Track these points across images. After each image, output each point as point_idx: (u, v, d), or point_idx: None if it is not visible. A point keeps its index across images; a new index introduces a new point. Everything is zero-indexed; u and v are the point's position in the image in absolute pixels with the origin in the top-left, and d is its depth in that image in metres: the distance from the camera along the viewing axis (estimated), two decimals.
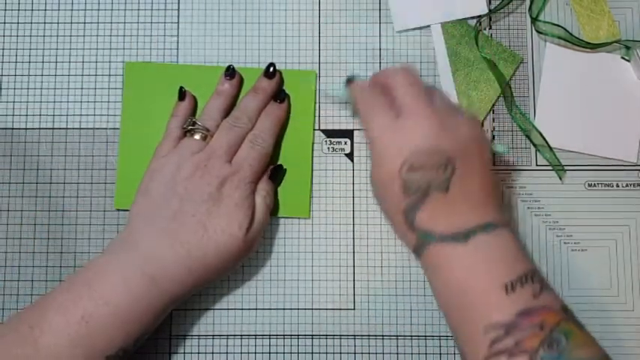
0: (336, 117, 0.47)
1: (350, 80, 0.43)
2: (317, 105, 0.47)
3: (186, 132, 0.43)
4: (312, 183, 0.46)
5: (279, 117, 0.44)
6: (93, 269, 0.38)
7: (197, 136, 0.42)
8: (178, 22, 0.47)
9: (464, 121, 0.39)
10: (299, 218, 0.45)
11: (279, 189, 0.45)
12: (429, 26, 0.47)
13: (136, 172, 0.43)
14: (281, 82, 0.45)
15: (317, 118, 0.47)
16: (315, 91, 0.46)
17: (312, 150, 0.46)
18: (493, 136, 0.47)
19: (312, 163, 0.46)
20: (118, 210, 0.45)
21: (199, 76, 0.46)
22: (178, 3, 0.48)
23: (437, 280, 0.37)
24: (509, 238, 0.37)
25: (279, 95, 0.45)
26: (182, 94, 0.44)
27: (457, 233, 0.36)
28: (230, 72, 0.45)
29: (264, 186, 0.43)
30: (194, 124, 0.42)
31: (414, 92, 0.38)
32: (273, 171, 0.44)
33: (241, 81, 0.45)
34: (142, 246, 0.39)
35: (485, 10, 0.47)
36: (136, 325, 0.38)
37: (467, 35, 0.47)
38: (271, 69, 0.45)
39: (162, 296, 0.38)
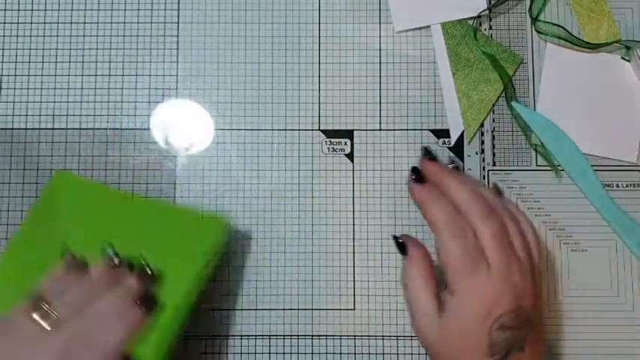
0: (336, 117, 0.47)
1: (429, 157, 0.41)
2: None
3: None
4: (169, 335, 0.38)
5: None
6: None
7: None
8: (178, 22, 0.47)
9: (530, 274, 0.38)
10: (298, 217, 0.45)
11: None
12: (429, 26, 0.47)
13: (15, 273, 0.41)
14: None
15: (317, 118, 0.47)
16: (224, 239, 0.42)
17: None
18: (493, 136, 0.47)
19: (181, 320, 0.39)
20: None
21: (118, 201, 0.43)
22: (178, 3, 0.48)
23: None
24: None
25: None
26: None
27: None
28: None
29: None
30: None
31: (501, 245, 0.37)
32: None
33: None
34: None
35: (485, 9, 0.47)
36: None
37: (467, 35, 0.47)
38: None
39: None
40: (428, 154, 0.41)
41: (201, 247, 0.40)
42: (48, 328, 0.33)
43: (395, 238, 0.40)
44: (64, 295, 0.35)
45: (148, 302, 0.37)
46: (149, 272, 0.38)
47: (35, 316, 0.33)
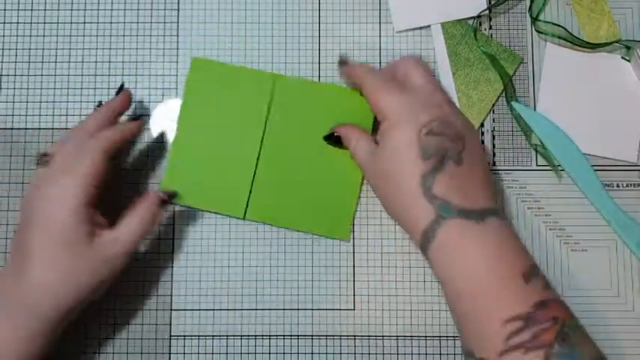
0: None
1: (344, 62, 0.43)
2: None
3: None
4: (356, 207, 0.46)
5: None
6: None
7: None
8: (178, 23, 0.47)
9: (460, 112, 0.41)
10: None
11: (322, 209, 0.45)
12: (429, 26, 0.47)
13: (185, 168, 0.45)
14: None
15: None
16: (373, 116, 0.45)
17: (362, 178, 0.45)
18: (493, 136, 0.47)
19: (360, 189, 0.45)
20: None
21: (255, 81, 0.46)
22: (178, 3, 0.48)
23: (450, 263, 0.36)
24: (513, 229, 0.37)
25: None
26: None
27: (473, 210, 0.36)
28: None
29: (149, 205, 0.40)
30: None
31: (426, 74, 0.40)
32: (166, 198, 0.41)
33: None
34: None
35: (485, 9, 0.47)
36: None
37: (467, 35, 0.47)
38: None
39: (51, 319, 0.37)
40: (342, 62, 0.44)
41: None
42: (43, 166, 0.39)
43: (327, 138, 0.44)
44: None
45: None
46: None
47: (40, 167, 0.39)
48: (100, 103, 0.44)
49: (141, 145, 0.46)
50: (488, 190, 0.38)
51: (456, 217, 0.36)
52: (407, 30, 0.47)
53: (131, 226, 0.39)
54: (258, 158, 0.45)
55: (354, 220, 0.45)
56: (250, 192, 0.45)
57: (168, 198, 0.41)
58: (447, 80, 0.47)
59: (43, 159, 0.39)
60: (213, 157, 0.45)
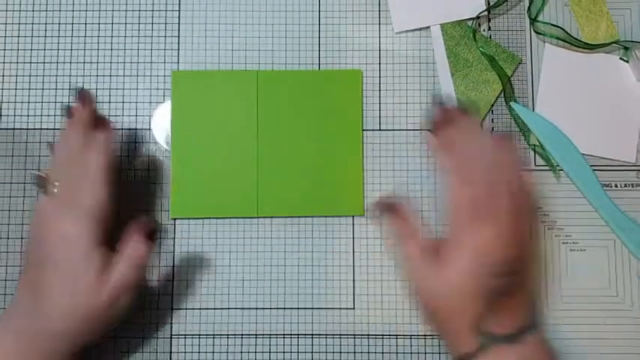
0: None
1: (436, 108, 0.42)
2: (364, 104, 0.47)
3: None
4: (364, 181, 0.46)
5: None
6: None
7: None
8: (179, 24, 0.47)
9: (526, 219, 0.39)
10: (298, 218, 0.46)
11: (331, 189, 0.45)
12: (428, 27, 0.48)
13: (189, 181, 0.45)
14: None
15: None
16: (362, 89, 0.47)
17: (363, 148, 0.46)
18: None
19: (363, 161, 0.46)
20: (174, 219, 0.46)
21: (239, 81, 0.46)
22: (179, 4, 0.48)
23: None
24: (548, 344, 0.39)
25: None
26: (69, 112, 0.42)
27: (510, 335, 0.37)
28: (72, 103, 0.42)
29: (136, 246, 0.39)
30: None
31: (502, 198, 0.37)
32: (152, 231, 0.40)
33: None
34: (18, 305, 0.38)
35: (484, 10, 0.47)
36: None
37: (466, 36, 0.47)
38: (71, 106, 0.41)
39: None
40: (437, 102, 0.42)
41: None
42: (45, 194, 0.39)
43: (375, 206, 0.42)
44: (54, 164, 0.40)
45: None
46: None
47: (40, 191, 0.39)
48: (80, 90, 0.42)
49: (142, 154, 0.46)
50: (527, 307, 0.39)
51: (494, 346, 0.37)
52: (406, 31, 0.48)
53: (123, 273, 0.38)
54: (258, 155, 0.45)
55: (364, 197, 0.46)
56: (258, 189, 0.45)
57: (154, 231, 0.40)
58: (447, 81, 0.47)
59: (42, 183, 0.39)
60: (215, 165, 0.45)
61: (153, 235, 0.40)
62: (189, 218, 0.45)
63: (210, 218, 0.45)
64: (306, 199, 0.45)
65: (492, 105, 0.47)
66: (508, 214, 0.37)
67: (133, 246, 0.39)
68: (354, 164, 0.46)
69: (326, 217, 0.46)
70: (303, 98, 0.46)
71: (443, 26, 0.48)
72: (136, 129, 0.46)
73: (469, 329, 0.37)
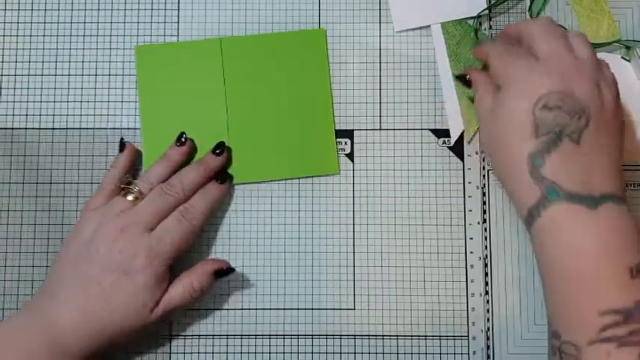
0: (337, 117, 0.47)
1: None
2: (329, 64, 0.47)
3: (122, 189, 0.41)
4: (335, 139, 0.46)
5: (215, 198, 0.43)
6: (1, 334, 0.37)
7: (130, 197, 0.41)
8: (178, 23, 0.47)
9: (608, 78, 0.38)
10: (298, 217, 0.45)
11: (304, 149, 0.45)
12: (429, 26, 0.47)
13: (160, 148, 0.44)
14: (227, 162, 0.44)
15: None
16: (326, 47, 0.47)
17: (333, 108, 0.46)
18: None
19: (334, 119, 0.46)
20: None
21: (203, 50, 0.46)
22: (178, 3, 0.48)
23: (552, 245, 0.34)
24: (633, 218, 0.35)
25: (222, 176, 0.43)
26: (122, 145, 0.44)
27: (587, 196, 0.34)
28: (181, 139, 0.43)
29: (199, 279, 0.41)
30: (129, 183, 0.41)
31: (551, 38, 0.37)
32: (220, 271, 0.41)
33: (193, 149, 0.45)
34: (49, 308, 0.38)
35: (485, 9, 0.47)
36: None
37: (467, 35, 0.47)
38: (219, 149, 0.43)
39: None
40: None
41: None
42: (130, 199, 0.41)
43: (458, 77, 0.44)
44: (147, 176, 0.42)
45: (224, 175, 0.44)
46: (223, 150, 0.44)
47: (122, 194, 0.41)
48: (122, 142, 0.44)
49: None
50: (609, 175, 0.36)
51: (564, 201, 0.34)
52: (407, 30, 0.47)
53: (176, 302, 0.40)
54: (228, 122, 0.45)
55: (338, 156, 0.46)
56: (232, 157, 0.45)
57: (224, 272, 0.42)
58: (447, 80, 0.47)
59: (131, 189, 0.41)
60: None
61: (221, 274, 0.41)
62: None
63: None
64: (280, 162, 0.45)
65: None
66: (564, 48, 0.37)
67: (198, 279, 0.40)
68: (325, 123, 0.46)
69: (327, 216, 0.45)
70: (268, 61, 0.46)
71: (444, 25, 0.47)
72: (135, 129, 0.46)
73: (528, 173, 0.35)
